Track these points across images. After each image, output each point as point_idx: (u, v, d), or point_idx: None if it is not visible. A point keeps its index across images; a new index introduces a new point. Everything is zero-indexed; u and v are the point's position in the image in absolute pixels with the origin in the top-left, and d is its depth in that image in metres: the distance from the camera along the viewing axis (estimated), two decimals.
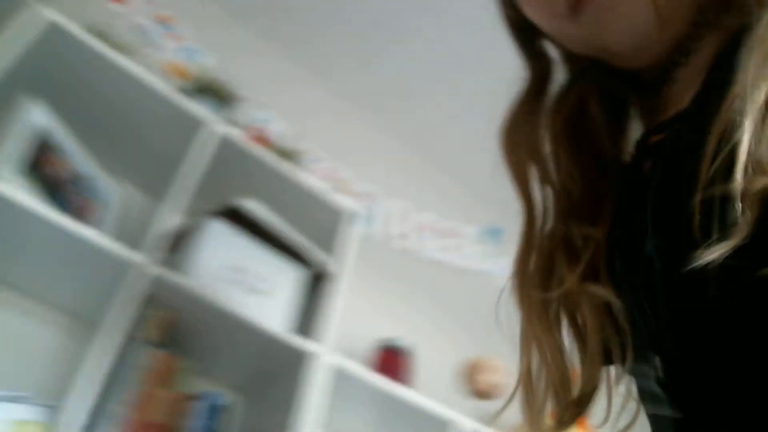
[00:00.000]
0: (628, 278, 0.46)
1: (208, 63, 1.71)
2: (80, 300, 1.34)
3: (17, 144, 1.22)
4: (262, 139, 1.69)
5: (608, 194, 0.54)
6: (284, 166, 1.61)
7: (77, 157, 1.41)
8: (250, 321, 1.35)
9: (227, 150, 1.52)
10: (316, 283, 1.60)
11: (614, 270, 0.49)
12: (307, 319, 1.54)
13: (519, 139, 0.58)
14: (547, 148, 0.58)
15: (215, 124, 1.50)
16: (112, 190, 1.49)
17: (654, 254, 0.41)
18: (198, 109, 1.49)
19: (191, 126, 1.47)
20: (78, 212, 1.32)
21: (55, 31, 1.31)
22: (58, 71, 1.36)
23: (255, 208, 1.48)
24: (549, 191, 0.57)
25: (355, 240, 1.71)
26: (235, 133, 1.55)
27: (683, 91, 0.45)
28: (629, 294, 0.46)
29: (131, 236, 1.47)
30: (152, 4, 1.64)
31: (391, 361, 1.73)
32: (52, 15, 1.31)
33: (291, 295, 1.51)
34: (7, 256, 1.26)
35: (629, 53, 0.50)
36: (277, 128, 1.81)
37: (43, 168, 1.30)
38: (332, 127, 1.80)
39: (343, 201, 1.71)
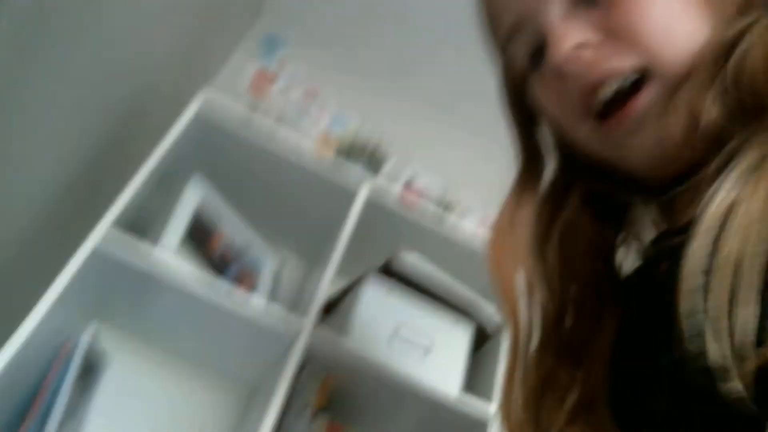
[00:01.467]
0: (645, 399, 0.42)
1: (351, 127, 1.71)
2: (240, 366, 1.32)
3: (182, 219, 1.26)
4: (414, 195, 1.63)
5: (603, 314, 0.50)
6: (441, 221, 1.53)
7: (235, 227, 1.44)
8: (416, 383, 1.24)
9: (382, 210, 1.48)
10: (484, 339, 1.46)
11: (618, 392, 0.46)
12: (475, 379, 1.40)
13: (506, 243, 0.53)
14: (536, 259, 0.52)
15: (368, 185, 1.46)
16: (270, 257, 1.49)
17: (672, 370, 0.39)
18: (350, 173, 1.47)
19: (346, 190, 1.44)
20: (238, 281, 1.33)
21: (211, 108, 1.36)
22: (215, 147, 1.41)
23: (415, 261, 1.40)
24: (538, 311, 0.51)
25: None
26: (390, 192, 1.50)
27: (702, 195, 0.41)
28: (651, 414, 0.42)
29: (290, 302, 1.45)
30: (295, 82, 1.67)
31: None
32: (209, 93, 1.37)
33: (459, 354, 1.38)
34: (171, 325, 1.28)
35: (643, 171, 0.48)
36: (427, 181, 1.75)
37: (204, 240, 1.34)
38: (481, 175, 1.70)
39: None
